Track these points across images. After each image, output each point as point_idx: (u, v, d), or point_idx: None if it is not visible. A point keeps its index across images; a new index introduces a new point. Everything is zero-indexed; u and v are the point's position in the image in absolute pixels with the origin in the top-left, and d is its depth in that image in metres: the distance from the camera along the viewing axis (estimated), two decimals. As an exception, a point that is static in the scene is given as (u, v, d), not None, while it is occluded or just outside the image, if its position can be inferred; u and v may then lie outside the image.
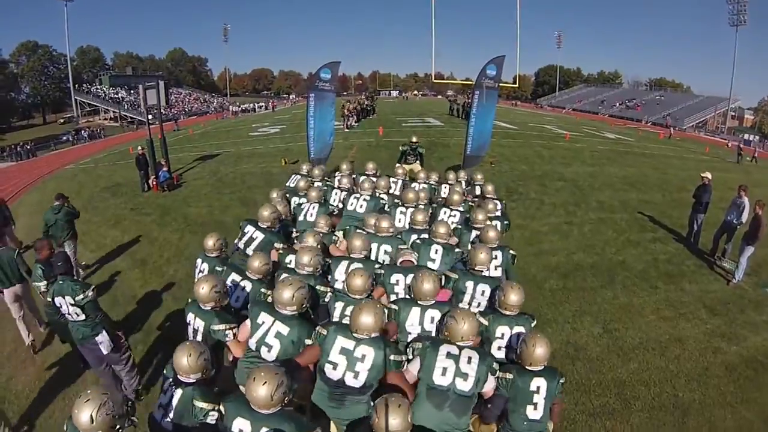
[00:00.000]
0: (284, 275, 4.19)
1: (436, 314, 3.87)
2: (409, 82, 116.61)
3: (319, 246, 4.89)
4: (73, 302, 4.70)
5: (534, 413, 3.43)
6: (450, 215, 6.51)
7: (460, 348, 3.29)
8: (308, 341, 3.54)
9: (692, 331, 6.84)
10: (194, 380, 3.17)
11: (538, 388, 3.41)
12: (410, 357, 3.47)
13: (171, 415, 3.15)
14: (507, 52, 14.47)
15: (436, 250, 5.14)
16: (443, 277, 4.54)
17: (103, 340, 4.81)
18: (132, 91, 59.34)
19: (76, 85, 61.57)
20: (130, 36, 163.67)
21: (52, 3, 63.78)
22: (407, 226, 6.13)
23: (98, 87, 63.96)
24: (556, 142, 27.15)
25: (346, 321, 3.85)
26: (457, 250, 5.01)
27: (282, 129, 33.32)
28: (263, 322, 3.65)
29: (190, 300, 4.09)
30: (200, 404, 3.07)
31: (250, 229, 5.51)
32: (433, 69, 31.22)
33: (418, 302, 3.90)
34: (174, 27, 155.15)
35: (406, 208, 6.49)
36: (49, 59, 69.13)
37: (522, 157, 20.61)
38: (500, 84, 14.90)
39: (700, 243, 10.24)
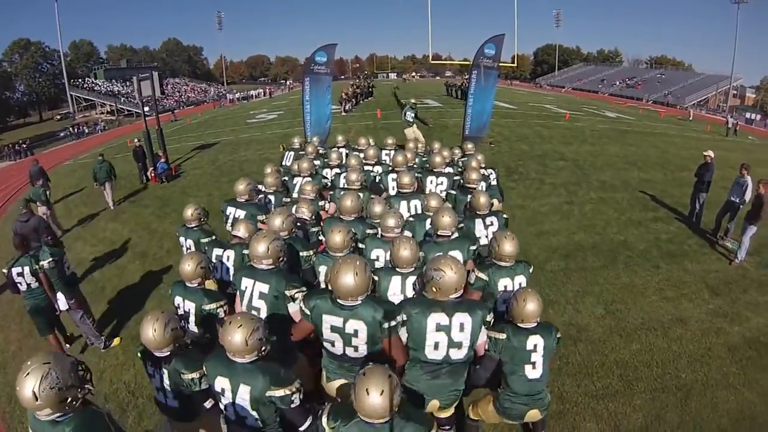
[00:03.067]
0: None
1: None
2: (406, 63, 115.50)
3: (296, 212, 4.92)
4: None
5: (533, 372, 3.38)
6: (437, 183, 6.51)
7: (450, 314, 3.07)
8: (291, 292, 3.51)
9: (694, 312, 6.80)
10: (169, 353, 3.08)
11: (535, 346, 3.35)
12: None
13: (171, 395, 3.17)
14: (505, 32, 14.22)
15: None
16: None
17: (59, 297, 5.59)
18: (128, 84, 58.94)
19: (71, 81, 61.13)
20: (123, 28, 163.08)
21: (41, -1, 63.14)
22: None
23: (93, 81, 63.56)
24: (556, 121, 26.96)
25: None
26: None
27: (280, 115, 33.13)
28: (246, 287, 3.66)
29: (173, 284, 4.09)
30: (188, 376, 3.03)
31: (231, 210, 5.65)
32: (430, 50, 31.10)
33: (398, 270, 3.73)
34: (167, 17, 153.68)
35: (398, 173, 6.43)
36: (42, 56, 68.44)
37: (522, 137, 20.47)
38: (499, 64, 14.72)
39: (702, 222, 10.17)
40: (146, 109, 19.01)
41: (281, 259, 3.67)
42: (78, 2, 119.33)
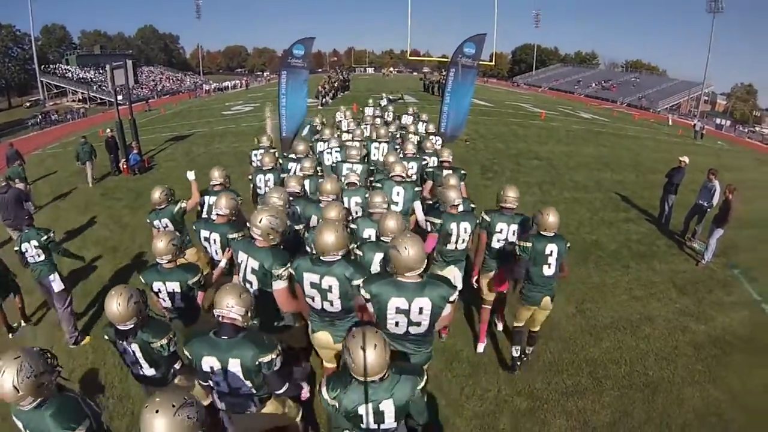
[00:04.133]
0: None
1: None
2: (384, 58, 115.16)
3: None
4: (38, 244, 5.68)
5: (548, 271, 4.70)
6: (408, 167, 6.68)
7: (411, 298, 3.16)
8: (278, 271, 3.71)
9: (662, 311, 6.99)
10: (133, 325, 3.22)
11: (551, 251, 4.62)
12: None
13: (146, 365, 3.38)
14: (484, 30, 14.28)
15: (398, 192, 5.96)
16: (428, 224, 5.23)
17: (54, 279, 5.79)
18: (101, 71, 57.29)
19: (42, 67, 58.97)
20: (97, 13, 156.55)
21: (14, -21, 60.95)
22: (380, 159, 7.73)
23: (65, 68, 61.60)
24: (532, 120, 27.29)
25: None
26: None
27: (255, 107, 32.70)
28: (241, 261, 3.93)
29: (145, 272, 4.15)
30: (156, 343, 3.25)
31: (205, 198, 6.02)
32: (409, 46, 30.94)
33: (382, 240, 4.09)
34: (144, 3, 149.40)
35: (380, 143, 8.28)
36: (13, 40, 65.57)
37: (497, 135, 20.67)
38: (479, 63, 14.77)
39: (671, 224, 10.45)
40: (119, 98, 18.56)
41: (271, 237, 3.81)
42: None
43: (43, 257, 5.76)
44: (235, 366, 2.92)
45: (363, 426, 2.69)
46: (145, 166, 15.56)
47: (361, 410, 2.63)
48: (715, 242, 8.60)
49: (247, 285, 3.86)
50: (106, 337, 3.40)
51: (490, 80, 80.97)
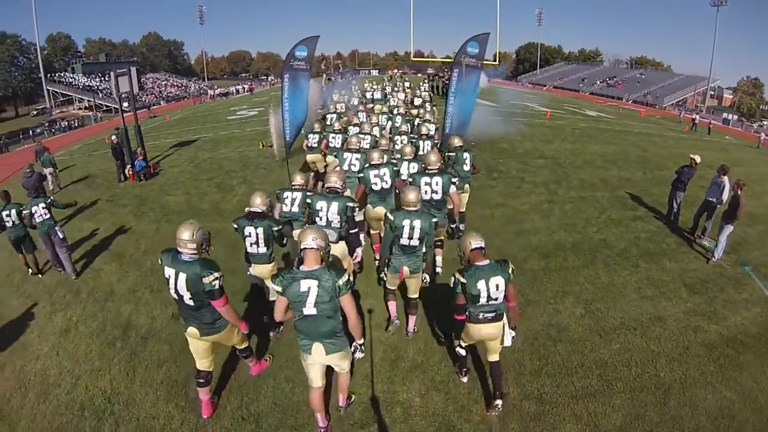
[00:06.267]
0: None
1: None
2: (388, 60, 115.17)
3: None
4: (44, 205, 8.11)
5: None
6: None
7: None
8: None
9: (673, 310, 6.88)
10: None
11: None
12: None
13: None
14: (488, 30, 14.19)
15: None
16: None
17: (59, 229, 8.22)
18: (106, 79, 57.68)
19: (48, 75, 59.52)
20: (102, 21, 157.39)
21: (19, -10, 61.59)
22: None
23: (71, 76, 62.08)
24: (537, 119, 27.15)
25: None
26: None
27: (260, 112, 32.78)
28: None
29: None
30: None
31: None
32: (412, 47, 30.92)
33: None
34: (148, 10, 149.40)
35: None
36: (19, 49, 66.40)
37: (502, 135, 20.53)
38: (483, 63, 14.68)
39: (680, 221, 10.29)
40: (125, 105, 18.64)
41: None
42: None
43: (48, 215, 8.11)
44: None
45: (402, 238, 5.34)
46: (150, 172, 15.58)
47: (405, 224, 5.28)
48: (725, 239, 8.47)
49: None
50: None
51: (493, 79, 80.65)
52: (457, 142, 8.61)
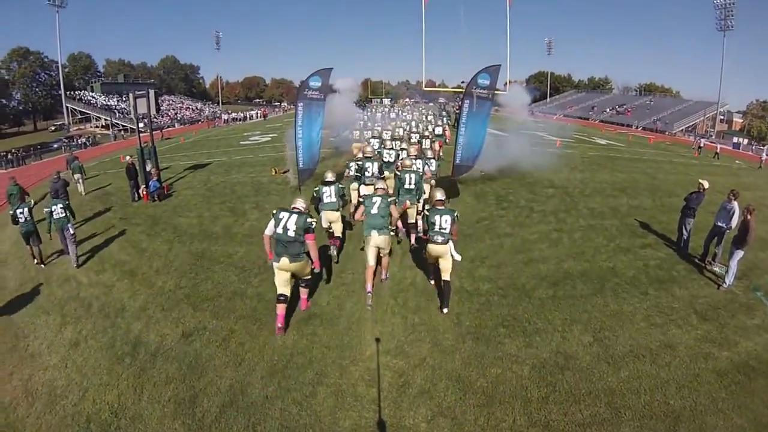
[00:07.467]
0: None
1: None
2: (400, 89, 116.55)
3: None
4: (62, 206, 9.91)
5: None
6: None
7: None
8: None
9: (683, 338, 6.82)
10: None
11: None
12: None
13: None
14: (498, 60, 14.46)
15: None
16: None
17: (71, 226, 9.88)
18: (123, 99, 58.99)
19: (68, 92, 61.07)
20: (122, 43, 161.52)
21: (44, 10, 63.59)
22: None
23: (90, 94, 63.59)
24: (547, 148, 27.24)
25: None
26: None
27: (273, 138, 33.33)
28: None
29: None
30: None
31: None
32: (424, 76, 31.37)
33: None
34: (166, 34, 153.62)
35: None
36: (41, 66, 68.53)
37: (512, 164, 20.58)
38: (494, 93, 14.85)
39: (690, 248, 10.22)
40: (141, 125, 19.04)
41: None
42: (79, 15, 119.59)
43: (64, 214, 9.82)
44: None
45: (406, 186, 9.47)
46: (164, 193, 15.83)
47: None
48: (735, 264, 8.40)
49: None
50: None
51: (497, 108, 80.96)
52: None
